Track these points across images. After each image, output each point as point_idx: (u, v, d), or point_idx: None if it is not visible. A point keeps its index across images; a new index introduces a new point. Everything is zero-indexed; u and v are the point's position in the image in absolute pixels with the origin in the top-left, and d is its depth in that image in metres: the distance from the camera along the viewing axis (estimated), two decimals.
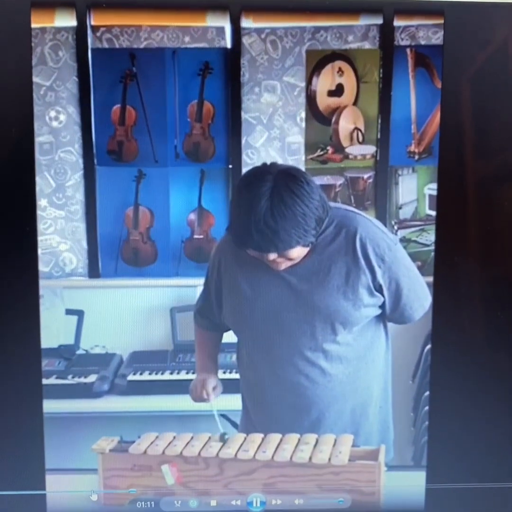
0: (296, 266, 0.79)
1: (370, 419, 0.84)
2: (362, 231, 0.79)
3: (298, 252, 0.78)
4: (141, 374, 0.85)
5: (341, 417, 0.83)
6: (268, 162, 0.78)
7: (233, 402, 0.85)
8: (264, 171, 0.77)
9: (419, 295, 0.81)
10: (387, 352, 0.84)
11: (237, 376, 0.85)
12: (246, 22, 0.77)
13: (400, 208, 0.83)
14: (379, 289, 0.80)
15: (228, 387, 0.85)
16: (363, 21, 0.78)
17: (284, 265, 0.79)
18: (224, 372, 0.85)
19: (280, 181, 0.75)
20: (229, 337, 0.85)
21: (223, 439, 0.82)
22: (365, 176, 0.82)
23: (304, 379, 0.81)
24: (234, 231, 0.78)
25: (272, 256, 0.77)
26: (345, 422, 0.83)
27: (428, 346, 0.81)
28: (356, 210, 0.81)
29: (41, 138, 0.79)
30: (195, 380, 0.84)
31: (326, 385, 0.82)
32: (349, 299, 0.79)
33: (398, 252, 0.80)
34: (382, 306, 0.81)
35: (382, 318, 0.82)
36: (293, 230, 0.76)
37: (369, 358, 0.82)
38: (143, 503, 0.81)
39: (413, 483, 0.83)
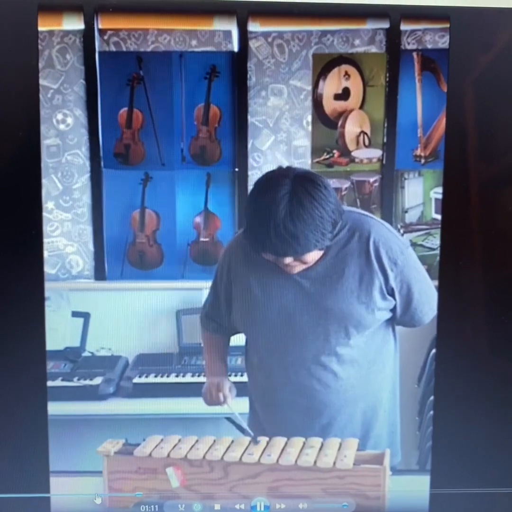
0: (309, 270, 0.79)
1: (380, 422, 0.84)
2: (375, 234, 0.79)
3: (313, 256, 0.78)
4: (146, 376, 0.85)
5: (352, 420, 0.83)
6: (284, 166, 0.78)
7: (239, 405, 0.85)
8: (281, 175, 0.77)
9: (429, 298, 0.81)
10: (395, 355, 0.84)
11: (242, 379, 0.85)
12: (253, 26, 0.78)
13: (406, 212, 0.83)
14: (391, 293, 0.80)
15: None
16: (369, 25, 0.78)
17: (298, 268, 0.79)
18: (230, 375, 0.85)
19: (298, 185, 0.76)
20: (235, 340, 0.85)
21: (256, 442, 0.82)
22: (371, 179, 0.82)
23: (317, 383, 0.81)
24: (252, 235, 0.78)
25: (288, 260, 0.78)
26: (356, 426, 0.83)
27: (434, 350, 0.81)
28: (368, 214, 0.81)
29: (48, 141, 0.79)
30: (207, 384, 0.84)
31: (338, 389, 0.82)
32: (362, 302, 0.79)
33: (410, 255, 0.80)
34: (393, 310, 0.81)
35: (391, 321, 0.83)
36: (311, 233, 0.76)
37: (379, 362, 0.82)
38: (147, 506, 0.81)
39: (418, 488, 0.82)
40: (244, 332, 0.83)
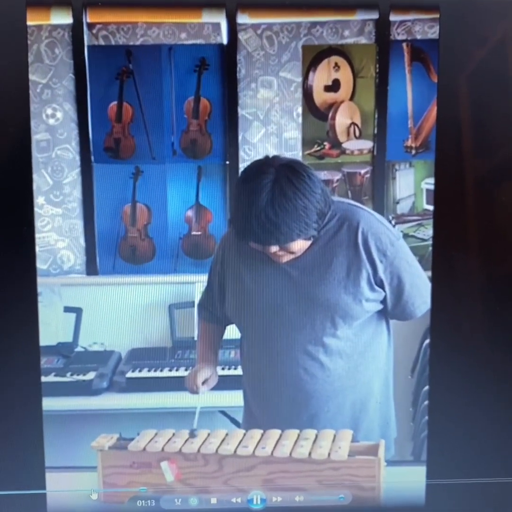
0: (298, 259, 0.79)
1: (370, 415, 0.84)
2: (364, 225, 0.79)
3: (299, 245, 0.78)
4: (140, 371, 0.85)
5: (340, 412, 0.83)
6: (271, 155, 0.78)
7: (233, 399, 0.85)
8: (266, 163, 0.77)
9: (422, 291, 0.80)
10: (388, 348, 0.84)
11: (235, 372, 0.85)
12: (242, 18, 0.77)
13: (398, 203, 0.83)
14: (380, 284, 0.80)
15: (228, 383, 0.85)
16: (359, 16, 0.78)
17: (286, 258, 0.79)
18: (223, 369, 0.85)
19: (282, 174, 0.76)
20: (229, 334, 0.85)
21: (192, 435, 0.82)
22: (362, 171, 0.82)
23: (303, 373, 0.81)
24: (236, 223, 0.78)
25: (274, 248, 0.78)
26: (344, 417, 0.83)
27: (427, 341, 0.81)
28: (359, 204, 0.81)
29: (38, 136, 0.79)
30: (190, 370, 0.84)
31: (325, 380, 0.82)
32: (349, 292, 0.79)
33: (401, 247, 0.80)
34: (384, 302, 0.81)
35: (384, 314, 0.82)
36: (294, 223, 0.76)
37: (369, 354, 0.82)
38: (143, 501, 0.81)
39: (413, 478, 0.83)
40: (235, 321, 0.83)
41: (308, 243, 0.79)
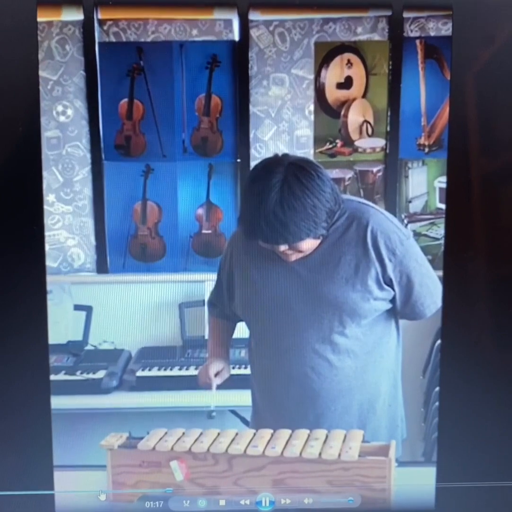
0: (307, 258, 0.79)
1: (378, 416, 0.83)
2: (373, 223, 0.78)
3: (308, 244, 0.78)
4: (150, 370, 0.85)
5: (347, 412, 0.82)
6: (280, 154, 0.78)
7: (244, 398, 0.85)
8: (275, 162, 0.76)
9: (432, 291, 0.80)
10: (397, 348, 0.83)
11: (245, 371, 0.85)
12: (254, 15, 0.77)
13: (410, 201, 0.82)
14: (389, 283, 0.79)
15: (239, 382, 0.85)
16: (372, 12, 0.77)
17: (294, 256, 0.79)
18: (233, 368, 0.85)
19: (291, 173, 0.75)
20: (239, 333, 0.84)
21: (210, 416, 0.82)
22: (375, 169, 0.81)
23: (311, 371, 0.81)
24: (244, 222, 0.78)
25: (283, 247, 0.77)
26: (351, 417, 0.83)
27: (439, 341, 0.81)
28: (369, 203, 0.80)
29: (48, 133, 0.79)
30: (202, 366, 0.84)
31: (332, 379, 0.81)
32: (357, 291, 0.79)
33: (411, 246, 0.79)
34: (393, 301, 0.81)
35: (393, 313, 0.82)
36: (302, 222, 0.75)
37: (377, 354, 0.82)
38: (151, 503, 0.81)
39: (423, 479, 0.82)
40: (244, 319, 0.83)
41: (317, 242, 0.78)
